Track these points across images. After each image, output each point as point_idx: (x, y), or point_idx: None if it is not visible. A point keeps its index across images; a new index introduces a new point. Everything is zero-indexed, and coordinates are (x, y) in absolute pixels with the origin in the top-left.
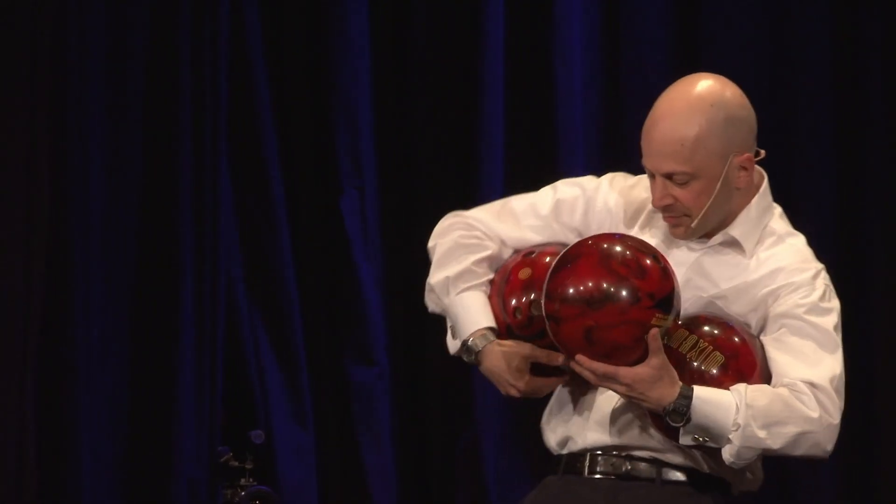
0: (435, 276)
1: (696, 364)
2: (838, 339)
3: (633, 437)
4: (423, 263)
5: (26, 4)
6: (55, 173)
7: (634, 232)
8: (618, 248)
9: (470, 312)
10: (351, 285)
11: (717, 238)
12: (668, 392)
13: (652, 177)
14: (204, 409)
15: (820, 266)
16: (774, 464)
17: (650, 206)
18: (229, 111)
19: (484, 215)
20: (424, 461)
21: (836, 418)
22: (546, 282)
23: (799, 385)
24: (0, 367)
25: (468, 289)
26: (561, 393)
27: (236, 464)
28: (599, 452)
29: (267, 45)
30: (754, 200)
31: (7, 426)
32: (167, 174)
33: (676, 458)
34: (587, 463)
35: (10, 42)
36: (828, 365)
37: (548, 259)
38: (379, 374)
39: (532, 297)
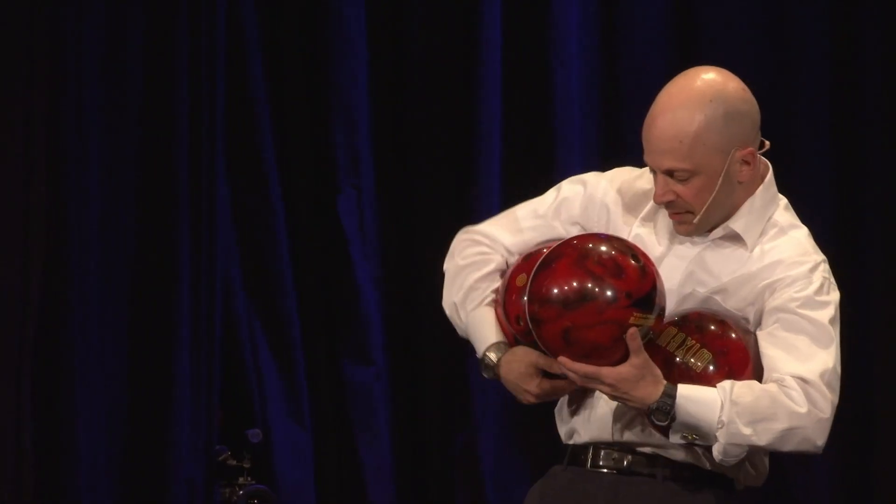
0: (446, 304)
1: (683, 362)
2: (834, 332)
3: (634, 433)
4: (420, 263)
5: (23, 5)
6: (52, 174)
7: (636, 224)
8: (595, 248)
9: (479, 330)
10: (348, 284)
11: (719, 231)
12: (651, 391)
13: (654, 173)
14: (201, 408)
15: (820, 258)
16: (773, 463)
17: (653, 200)
18: (226, 111)
19: (489, 228)
20: (422, 460)
21: (826, 413)
22: (528, 285)
23: (788, 380)
24: None
25: (475, 308)
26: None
27: (234, 463)
28: (601, 446)
29: (264, 43)
30: (758, 192)
31: (5, 426)
32: (164, 174)
33: (678, 454)
34: (590, 455)
35: (7, 43)
36: (820, 359)
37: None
38: (376, 374)
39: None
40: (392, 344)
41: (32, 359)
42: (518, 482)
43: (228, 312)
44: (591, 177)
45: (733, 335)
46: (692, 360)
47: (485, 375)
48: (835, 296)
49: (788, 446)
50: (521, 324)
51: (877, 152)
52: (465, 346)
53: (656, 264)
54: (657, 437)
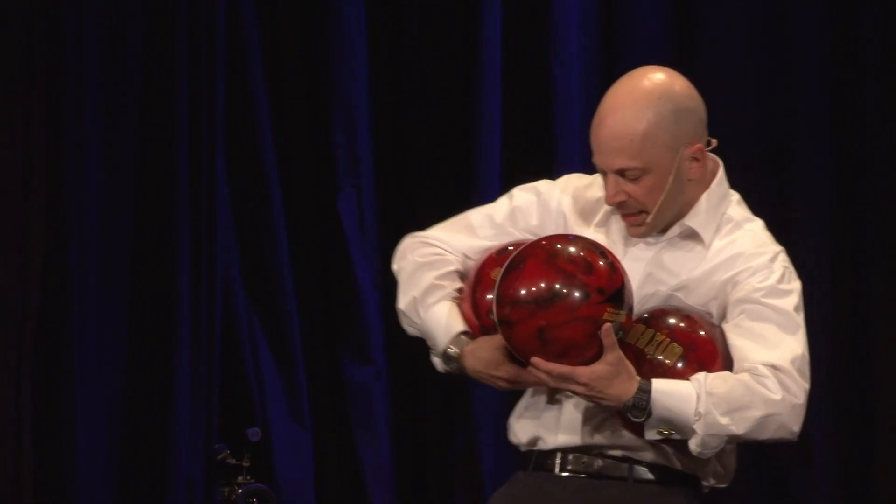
0: (403, 300)
1: (654, 358)
2: (800, 319)
3: (604, 436)
4: None
5: (23, 6)
6: (52, 174)
7: (590, 231)
8: (564, 247)
9: (440, 324)
10: (348, 284)
11: (675, 230)
12: (626, 388)
13: (604, 174)
14: (201, 406)
15: (778, 249)
16: (771, 462)
17: (606, 206)
18: (226, 110)
19: (441, 233)
20: (422, 460)
21: (800, 398)
22: (496, 287)
23: (760, 368)
24: None
25: (436, 302)
26: (530, 392)
27: (233, 461)
28: (570, 450)
29: (264, 43)
30: (711, 189)
31: (4, 426)
32: (164, 173)
33: (648, 456)
34: (558, 461)
35: (6, 43)
36: (789, 346)
37: None
38: (376, 373)
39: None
40: (392, 344)
41: (32, 358)
42: None
43: (228, 312)
44: (543, 185)
45: (701, 329)
46: (662, 355)
47: (446, 369)
48: (797, 284)
49: (766, 434)
50: (493, 318)
51: (876, 152)
52: None
53: None
54: (627, 438)
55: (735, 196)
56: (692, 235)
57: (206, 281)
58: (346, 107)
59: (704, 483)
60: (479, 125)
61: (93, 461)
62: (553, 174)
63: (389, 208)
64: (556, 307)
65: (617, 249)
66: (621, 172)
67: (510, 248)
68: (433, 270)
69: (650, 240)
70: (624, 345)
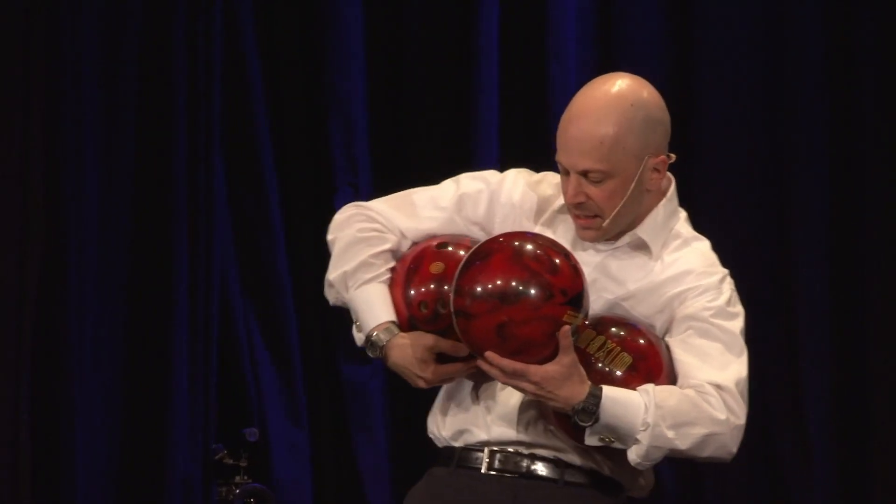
0: (333, 272)
1: (604, 365)
2: (743, 343)
3: (538, 433)
4: None
5: (21, 6)
6: (50, 172)
7: (536, 228)
8: (530, 246)
9: (371, 307)
10: None
11: (625, 239)
12: (577, 391)
13: (566, 173)
14: (198, 406)
15: (725, 271)
16: (770, 462)
17: (555, 205)
18: (223, 109)
19: (384, 207)
20: (419, 459)
21: (741, 420)
22: (456, 278)
23: (706, 387)
24: None
25: (367, 282)
26: (456, 386)
27: (231, 461)
28: (500, 448)
29: (261, 42)
30: (663, 202)
31: (2, 425)
32: (162, 172)
33: (578, 460)
34: (486, 458)
35: (4, 42)
36: (734, 368)
37: (462, 253)
38: (372, 373)
39: (444, 290)
40: None
41: (30, 358)
42: None
43: (225, 312)
44: (492, 175)
45: (649, 341)
46: (612, 363)
47: (369, 354)
48: (741, 309)
49: (706, 452)
50: (426, 311)
51: (875, 152)
52: None
53: None
54: (560, 439)
55: (683, 214)
56: (641, 246)
57: (204, 280)
58: (344, 106)
59: (626, 492)
60: (475, 122)
61: (90, 461)
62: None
63: None
64: (519, 304)
65: None
66: (585, 174)
67: (449, 245)
68: (369, 247)
69: (599, 246)
70: (574, 349)
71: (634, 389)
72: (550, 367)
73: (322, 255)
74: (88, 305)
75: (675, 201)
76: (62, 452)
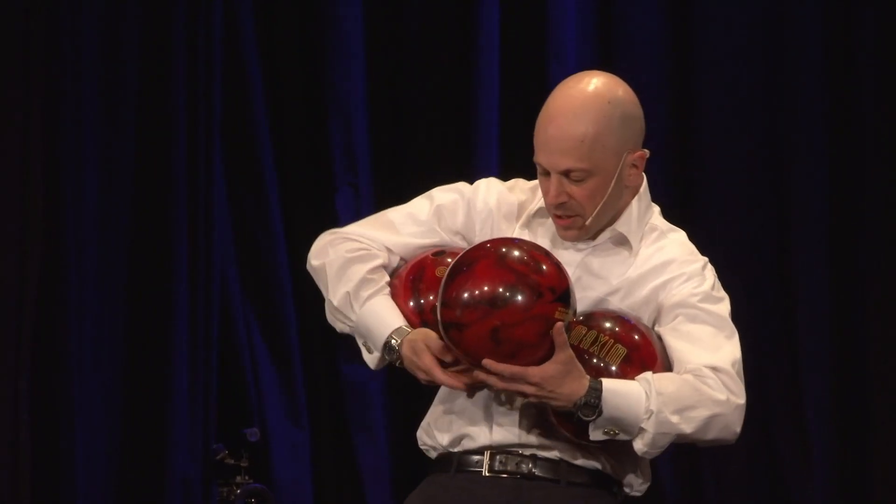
0: (335, 295)
1: (599, 359)
2: (733, 326)
3: (539, 434)
4: None
5: (20, 4)
6: (49, 172)
7: (516, 233)
8: (512, 249)
9: (381, 318)
10: None
11: (605, 235)
12: (577, 386)
13: (546, 174)
14: (198, 406)
15: (705, 259)
16: (770, 462)
17: (530, 209)
18: (223, 109)
19: (362, 229)
20: (419, 459)
21: (742, 399)
22: (441, 291)
23: (703, 370)
24: None
25: (371, 297)
26: (452, 393)
27: (231, 461)
28: (501, 451)
29: (261, 42)
30: (637, 198)
31: (1, 425)
32: (161, 172)
33: (580, 459)
34: (486, 461)
35: (3, 42)
36: (727, 349)
37: None
38: (373, 373)
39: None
40: None
41: (30, 358)
42: None
43: (226, 312)
44: (463, 186)
45: (640, 332)
46: (607, 356)
47: (384, 362)
48: (725, 294)
49: (711, 434)
50: (439, 323)
51: (875, 152)
52: None
53: None
54: (560, 438)
55: (657, 208)
56: (621, 242)
57: (204, 280)
58: (344, 106)
59: (626, 490)
60: (476, 121)
61: (90, 461)
62: None
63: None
64: (510, 307)
65: None
66: (566, 173)
67: (445, 251)
68: (363, 264)
69: (579, 245)
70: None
71: (633, 379)
72: (548, 367)
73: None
74: (88, 305)
75: (648, 196)
76: (62, 452)
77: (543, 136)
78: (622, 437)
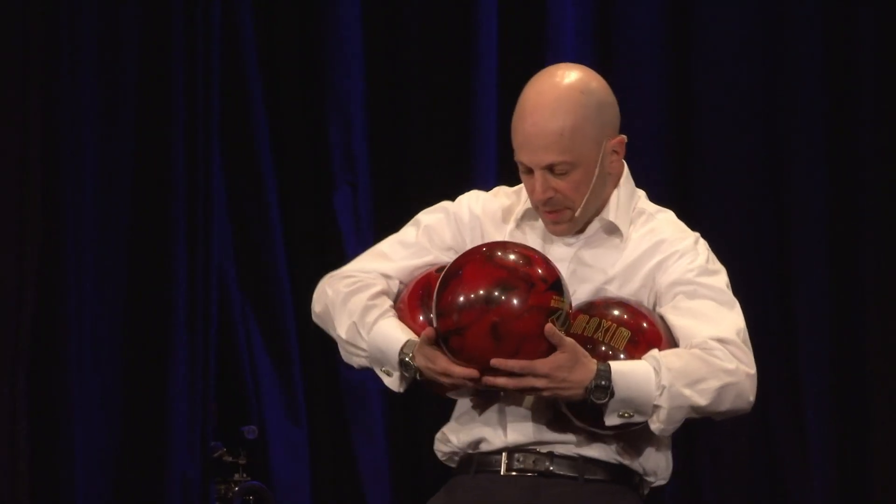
0: (341, 328)
1: (605, 344)
2: (732, 296)
3: (555, 431)
4: None
5: (18, 4)
6: (48, 171)
7: (505, 236)
8: (497, 249)
9: (390, 338)
10: None
11: (594, 226)
12: (586, 371)
13: (529, 172)
14: (197, 404)
15: (696, 234)
16: (769, 462)
17: (516, 213)
18: (222, 108)
19: (356, 265)
20: (418, 458)
21: (752, 368)
22: (435, 303)
23: (709, 343)
24: None
25: (376, 321)
26: (466, 402)
27: (229, 459)
28: (518, 450)
29: (260, 40)
30: (621, 184)
31: (0, 423)
32: (160, 171)
33: (598, 454)
34: (504, 461)
35: (2, 41)
36: (731, 320)
37: None
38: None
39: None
40: None
41: (28, 355)
42: None
43: (224, 309)
44: (447, 203)
45: (642, 313)
46: (612, 340)
47: (404, 380)
48: (721, 266)
49: (725, 404)
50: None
51: (873, 152)
52: None
53: None
54: (577, 434)
55: (642, 192)
56: (611, 230)
57: (202, 279)
58: (342, 105)
59: (648, 479)
60: (474, 122)
61: (89, 459)
62: None
63: (385, 206)
64: (506, 301)
65: None
66: (550, 168)
67: (447, 266)
68: (363, 293)
69: (569, 239)
70: (572, 336)
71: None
72: (555, 357)
73: (320, 254)
74: (87, 304)
75: (632, 181)
76: (61, 451)
77: (522, 135)
78: (637, 419)
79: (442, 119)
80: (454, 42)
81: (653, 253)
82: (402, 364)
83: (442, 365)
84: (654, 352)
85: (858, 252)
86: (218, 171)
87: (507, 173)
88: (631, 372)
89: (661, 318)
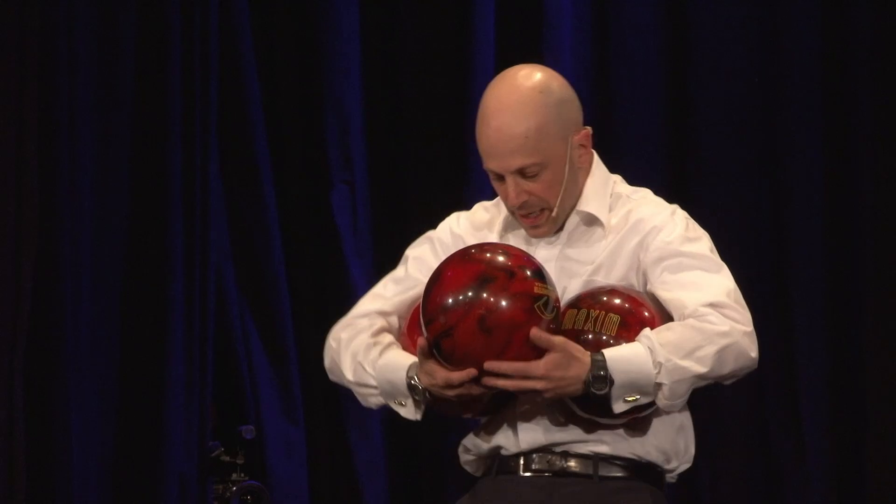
0: (348, 372)
1: (595, 333)
2: (718, 259)
3: (566, 432)
4: None
5: (14, 5)
6: (44, 169)
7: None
8: (471, 249)
9: (395, 365)
10: (341, 280)
11: (573, 220)
12: (581, 365)
13: (500, 179)
14: (194, 404)
15: (674, 206)
16: (766, 460)
17: (498, 223)
18: (219, 107)
19: (353, 311)
20: (415, 458)
21: (749, 325)
22: (421, 313)
23: (700, 310)
24: None
25: (381, 353)
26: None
27: (227, 459)
28: (533, 452)
29: (257, 40)
30: (593, 172)
31: None
32: (157, 171)
33: (613, 450)
34: (521, 462)
35: None
36: (718, 283)
37: None
38: None
39: None
40: None
41: (25, 355)
42: None
43: (222, 309)
44: (430, 232)
45: (629, 295)
46: (602, 327)
47: (418, 406)
48: (703, 231)
49: (727, 367)
50: (429, 341)
51: (870, 150)
52: None
53: None
54: (590, 433)
55: (618, 176)
56: (591, 221)
57: (200, 278)
58: (339, 104)
59: (670, 468)
60: (470, 121)
61: (86, 459)
62: None
63: (382, 205)
64: (488, 293)
65: None
66: (521, 172)
67: None
68: (363, 334)
69: (551, 239)
70: (562, 332)
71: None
72: (548, 357)
73: (317, 253)
74: (84, 303)
75: (604, 168)
76: (57, 451)
77: (487, 143)
78: (643, 400)
79: (440, 117)
80: (451, 39)
81: (633, 234)
82: (410, 387)
83: (441, 376)
84: (646, 331)
85: (855, 248)
86: (215, 170)
87: None
88: (625, 356)
89: (652, 296)
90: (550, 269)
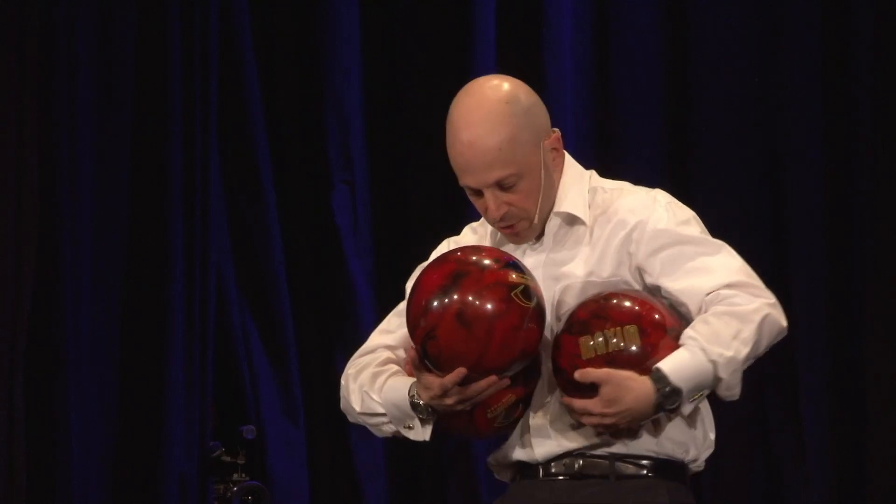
0: (357, 404)
1: (622, 351)
2: (713, 238)
3: (579, 436)
4: (414, 258)
5: (14, 5)
6: (45, 171)
7: None
8: (445, 252)
9: (399, 388)
10: (342, 280)
11: (553, 223)
12: (641, 388)
13: (477, 194)
14: (195, 404)
15: (655, 190)
16: (766, 461)
17: (487, 240)
18: (219, 107)
19: (361, 349)
20: (415, 459)
21: (771, 297)
22: (408, 327)
23: (721, 293)
24: None
25: (385, 381)
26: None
27: (228, 459)
28: (551, 459)
29: (257, 40)
30: (565, 171)
31: None
32: (158, 171)
33: (630, 450)
34: (541, 467)
35: None
36: (725, 263)
37: None
38: None
39: None
40: None
41: (25, 355)
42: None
43: (222, 309)
44: (423, 263)
45: (630, 299)
46: (625, 342)
47: (422, 418)
48: (689, 210)
49: (765, 341)
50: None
51: (870, 150)
52: None
53: None
54: (604, 436)
55: (592, 172)
56: (571, 221)
57: (200, 278)
58: (340, 104)
59: (691, 457)
60: None
61: (86, 459)
62: None
63: (383, 205)
64: (461, 287)
65: None
66: (499, 184)
67: None
68: (368, 368)
69: (534, 245)
70: (590, 362)
71: (663, 348)
72: (603, 391)
73: (317, 253)
74: (84, 302)
75: (577, 165)
76: (58, 451)
77: (461, 160)
78: (705, 392)
79: (440, 118)
80: (451, 40)
81: (618, 228)
82: (414, 407)
83: (437, 384)
84: (687, 331)
85: (855, 249)
86: (215, 170)
87: None
88: (681, 364)
89: (649, 290)
90: (538, 276)
